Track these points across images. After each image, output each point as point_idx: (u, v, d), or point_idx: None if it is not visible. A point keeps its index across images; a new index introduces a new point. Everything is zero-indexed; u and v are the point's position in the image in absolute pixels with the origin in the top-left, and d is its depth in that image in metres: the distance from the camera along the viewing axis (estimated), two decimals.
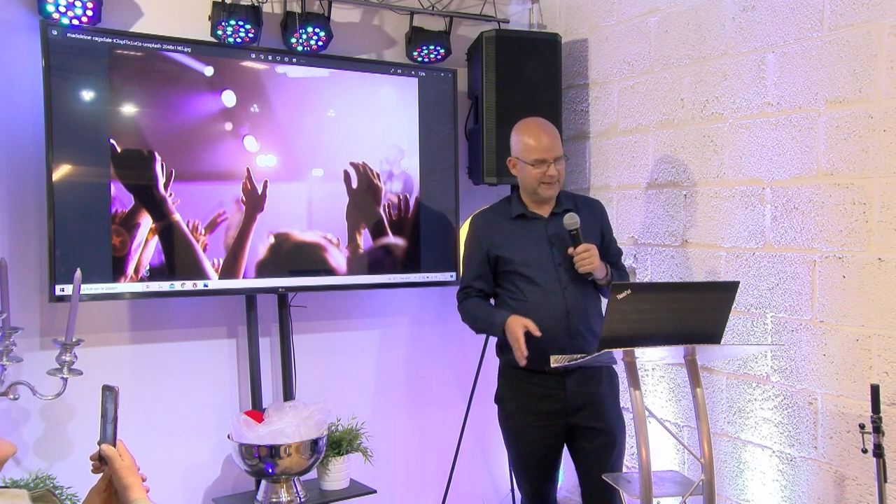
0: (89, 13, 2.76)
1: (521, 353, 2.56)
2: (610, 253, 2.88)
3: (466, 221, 3.53)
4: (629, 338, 2.26)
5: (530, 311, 2.70)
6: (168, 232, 2.88)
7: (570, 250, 2.67)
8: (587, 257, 2.65)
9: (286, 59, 3.12)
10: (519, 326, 2.58)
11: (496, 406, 2.90)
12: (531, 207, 2.82)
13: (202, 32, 3.04)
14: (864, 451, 2.28)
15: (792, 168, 2.74)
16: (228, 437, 2.96)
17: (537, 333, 2.56)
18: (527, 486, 2.87)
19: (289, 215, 3.11)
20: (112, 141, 2.80)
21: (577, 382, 2.72)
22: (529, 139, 2.76)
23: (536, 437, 2.76)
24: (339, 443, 3.18)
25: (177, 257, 2.90)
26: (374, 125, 3.30)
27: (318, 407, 3.00)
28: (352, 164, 3.25)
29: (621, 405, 2.86)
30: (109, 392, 1.71)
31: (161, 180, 2.87)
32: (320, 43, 3.22)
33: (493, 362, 3.60)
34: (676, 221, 3.18)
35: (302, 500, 3.01)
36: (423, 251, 3.39)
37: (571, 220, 2.66)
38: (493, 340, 3.56)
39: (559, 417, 2.74)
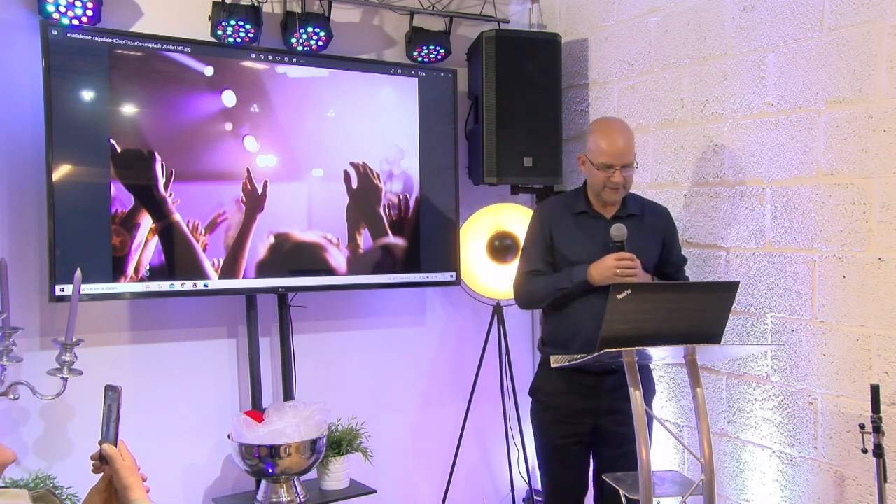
0: (89, 13, 2.76)
1: (627, 274, 2.53)
2: (670, 262, 2.83)
3: (468, 221, 3.55)
4: (629, 338, 2.26)
5: (574, 314, 2.69)
6: (168, 232, 2.88)
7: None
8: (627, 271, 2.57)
9: (286, 59, 3.12)
10: (609, 257, 2.56)
11: (529, 398, 2.89)
12: (595, 206, 2.77)
13: (202, 32, 3.04)
14: (864, 451, 2.28)
15: (792, 168, 2.74)
16: (228, 437, 2.95)
17: (637, 263, 2.54)
18: (548, 479, 2.85)
19: (289, 215, 3.11)
20: (112, 141, 2.79)
21: (614, 384, 2.69)
22: (602, 142, 2.68)
23: (563, 432, 2.76)
24: (339, 443, 3.18)
25: (177, 257, 2.90)
26: (374, 125, 3.30)
27: (318, 407, 3.00)
28: (352, 164, 3.24)
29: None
30: (112, 392, 1.72)
31: (161, 180, 2.87)
32: (320, 43, 3.22)
33: (493, 363, 3.62)
34: (677, 221, 3.17)
35: (302, 500, 3.01)
36: (423, 251, 3.39)
37: (618, 231, 2.58)
38: (493, 341, 3.57)
39: (589, 417, 2.75)
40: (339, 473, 3.17)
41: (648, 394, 2.83)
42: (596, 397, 2.72)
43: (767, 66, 2.81)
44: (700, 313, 2.33)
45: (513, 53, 3.44)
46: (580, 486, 2.85)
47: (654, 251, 2.77)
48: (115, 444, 1.69)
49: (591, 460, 2.85)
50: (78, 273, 2.46)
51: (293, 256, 3.12)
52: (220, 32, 3.01)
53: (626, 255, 2.56)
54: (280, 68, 3.10)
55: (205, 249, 2.95)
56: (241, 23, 3.00)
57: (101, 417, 1.72)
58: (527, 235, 2.89)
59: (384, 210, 3.31)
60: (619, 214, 2.76)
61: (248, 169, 3.03)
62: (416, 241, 3.38)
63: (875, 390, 2.29)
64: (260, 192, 3.05)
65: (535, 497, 3.71)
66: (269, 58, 3.08)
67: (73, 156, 2.73)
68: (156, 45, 2.87)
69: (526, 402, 2.96)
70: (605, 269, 2.58)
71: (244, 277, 3.02)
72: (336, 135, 3.21)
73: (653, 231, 2.79)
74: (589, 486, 2.88)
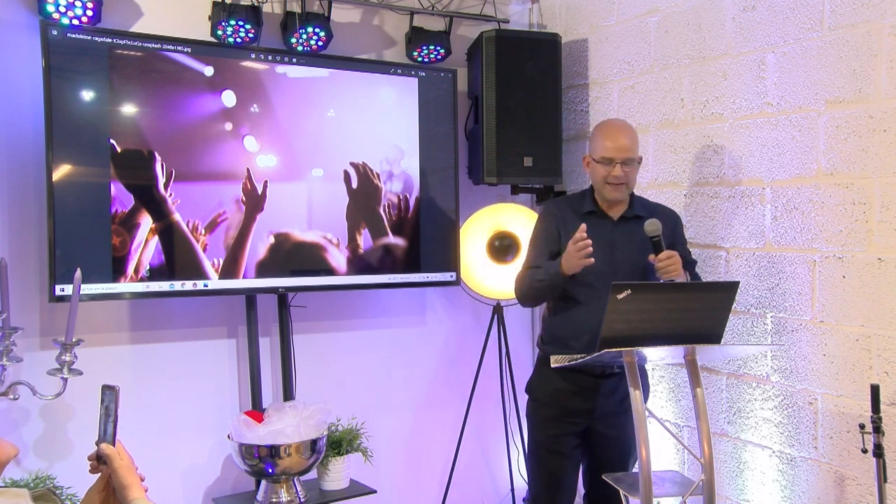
0: (89, 13, 2.76)
1: (584, 248, 2.52)
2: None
3: (468, 221, 3.55)
4: (629, 338, 2.26)
5: (580, 314, 2.69)
6: (168, 232, 2.88)
7: (651, 257, 2.57)
8: (671, 265, 2.53)
9: (286, 59, 3.12)
10: (571, 245, 2.55)
11: (526, 395, 2.91)
12: (602, 207, 2.78)
13: (202, 32, 3.04)
14: (864, 451, 2.28)
15: (792, 168, 2.74)
16: (228, 437, 2.95)
17: (583, 235, 2.53)
18: (538, 475, 2.84)
19: (289, 215, 3.11)
20: (112, 141, 2.80)
21: (612, 387, 2.70)
22: (604, 138, 2.71)
23: (557, 431, 2.76)
24: (339, 443, 3.18)
25: (177, 257, 2.90)
26: (373, 125, 3.30)
27: (318, 407, 3.00)
28: (352, 164, 3.25)
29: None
30: (110, 392, 1.72)
31: (161, 180, 2.87)
32: (320, 43, 3.22)
33: (493, 363, 3.62)
34: None
35: (302, 500, 3.01)
36: (423, 251, 3.39)
37: (653, 226, 2.54)
38: (493, 341, 3.57)
39: (584, 418, 2.75)
40: (339, 473, 3.17)
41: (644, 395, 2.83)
42: (592, 399, 2.72)
43: (767, 66, 2.80)
44: (700, 313, 2.33)
45: (513, 53, 3.44)
46: (569, 485, 2.84)
47: None
48: (114, 444, 1.69)
49: (581, 461, 2.86)
50: (78, 273, 2.46)
51: (293, 256, 3.12)
52: (220, 32, 3.01)
53: (663, 256, 2.52)
54: (280, 68, 3.10)
55: (205, 249, 2.95)
56: (241, 23, 3.00)
57: (99, 417, 1.72)
58: (532, 234, 2.89)
59: (384, 210, 3.31)
60: (625, 216, 2.76)
61: (248, 169, 3.03)
62: (416, 241, 3.38)
63: (875, 390, 2.29)
64: (260, 192, 3.05)
65: None
66: (269, 58, 3.08)
67: (73, 156, 2.73)
68: (156, 45, 2.87)
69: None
70: (567, 257, 2.58)
71: (244, 277, 3.02)
72: (336, 135, 3.21)
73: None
74: (577, 486, 2.88)
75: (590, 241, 2.52)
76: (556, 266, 2.64)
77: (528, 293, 2.80)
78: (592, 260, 2.54)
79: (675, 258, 2.55)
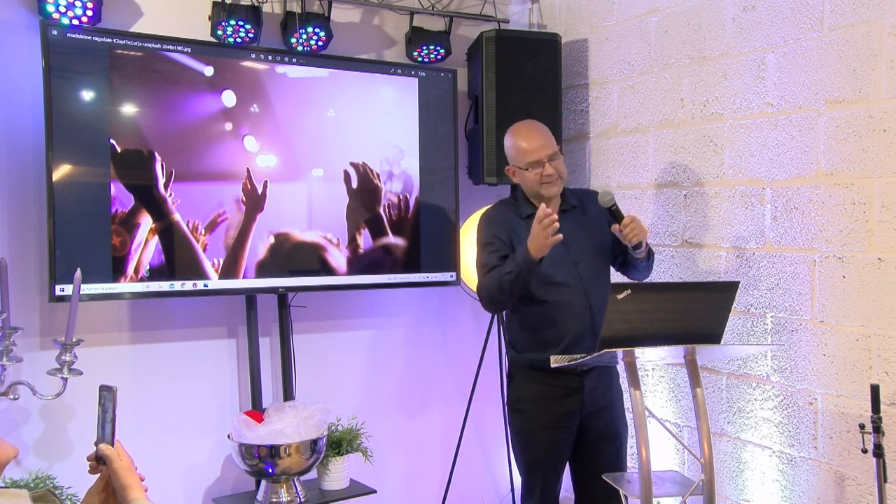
0: (89, 13, 2.77)
1: (551, 225, 2.45)
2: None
3: (468, 221, 3.55)
4: (629, 338, 2.26)
5: (552, 312, 2.67)
6: (168, 232, 2.88)
7: (615, 227, 2.59)
8: (636, 227, 2.56)
9: (286, 59, 3.12)
10: (536, 225, 2.48)
11: (510, 411, 2.85)
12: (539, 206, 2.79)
13: (202, 32, 3.04)
14: (864, 451, 2.28)
15: (792, 168, 2.74)
16: (228, 437, 2.95)
17: (548, 211, 2.47)
18: (539, 487, 2.81)
19: (289, 215, 3.11)
20: (112, 141, 2.80)
21: (594, 381, 2.70)
22: (520, 143, 2.73)
23: (553, 438, 2.73)
24: (339, 443, 3.18)
25: (177, 257, 2.90)
26: (373, 125, 3.30)
27: (318, 407, 3.00)
28: (352, 164, 3.25)
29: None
30: (107, 392, 1.72)
31: (161, 180, 2.87)
32: (320, 43, 3.22)
33: (493, 363, 3.61)
34: (676, 221, 3.18)
35: (302, 500, 3.01)
36: (423, 251, 3.39)
37: (606, 196, 2.57)
38: (493, 341, 3.57)
39: (576, 418, 2.73)
40: (339, 473, 3.17)
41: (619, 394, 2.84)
42: (580, 398, 2.71)
43: (767, 66, 2.80)
44: (700, 313, 2.33)
45: (513, 53, 3.44)
46: (559, 483, 2.85)
47: (604, 236, 2.74)
48: (112, 444, 1.69)
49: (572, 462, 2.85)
50: (78, 273, 2.46)
51: (293, 256, 3.12)
52: (220, 32, 3.01)
53: (627, 221, 2.55)
54: (280, 68, 3.10)
55: (205, 249, 2.95)
56: (241, 23, 3.00)
57: (97, 418, 1.72)
58: (481, 241, 2.78)
59: (384, 210, 3.31)
60: (563, 208, 2.77)
61: (248, 169, 3.03)
62: (415, 241, 3.38)
63: (875, 390, 2.29)
64: (260, 192, 3.05)
65: None
66: (269, 58, 3.08)
67: (73, 156, 2.73)
68: (156, 45, 2.87)
69: None
70: (534, 237, 2.50)
71: (244, 277, 3.02)
72: (336, 135, 3.22)
73: (595, 217, 2.77)
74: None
75: (556, 217, 2.48)
76: (523, 253, 2.55)
77: (496, 292, 2.63)
78: (560, 236, 2.48)
79: (638, 220, 2.59)
